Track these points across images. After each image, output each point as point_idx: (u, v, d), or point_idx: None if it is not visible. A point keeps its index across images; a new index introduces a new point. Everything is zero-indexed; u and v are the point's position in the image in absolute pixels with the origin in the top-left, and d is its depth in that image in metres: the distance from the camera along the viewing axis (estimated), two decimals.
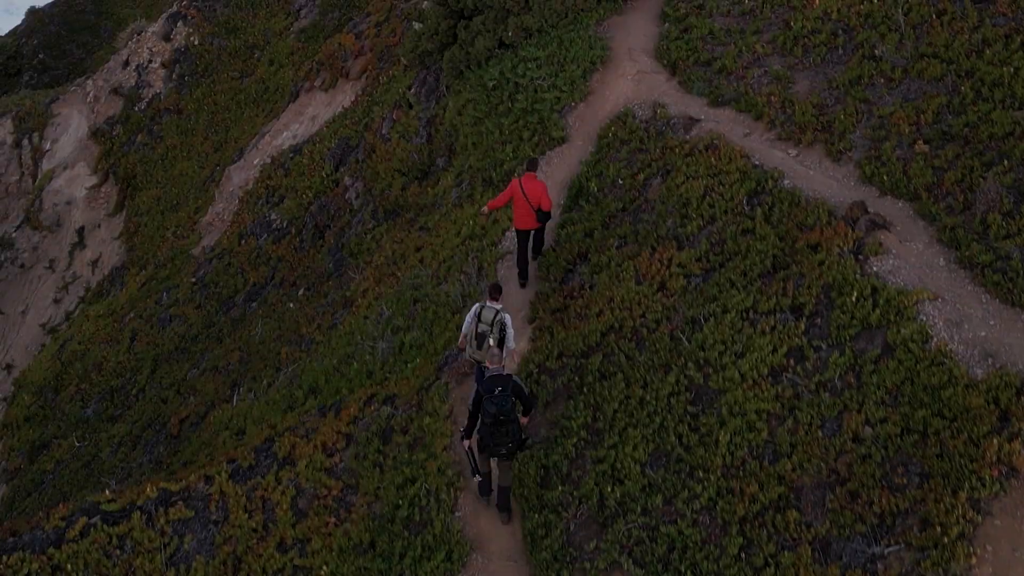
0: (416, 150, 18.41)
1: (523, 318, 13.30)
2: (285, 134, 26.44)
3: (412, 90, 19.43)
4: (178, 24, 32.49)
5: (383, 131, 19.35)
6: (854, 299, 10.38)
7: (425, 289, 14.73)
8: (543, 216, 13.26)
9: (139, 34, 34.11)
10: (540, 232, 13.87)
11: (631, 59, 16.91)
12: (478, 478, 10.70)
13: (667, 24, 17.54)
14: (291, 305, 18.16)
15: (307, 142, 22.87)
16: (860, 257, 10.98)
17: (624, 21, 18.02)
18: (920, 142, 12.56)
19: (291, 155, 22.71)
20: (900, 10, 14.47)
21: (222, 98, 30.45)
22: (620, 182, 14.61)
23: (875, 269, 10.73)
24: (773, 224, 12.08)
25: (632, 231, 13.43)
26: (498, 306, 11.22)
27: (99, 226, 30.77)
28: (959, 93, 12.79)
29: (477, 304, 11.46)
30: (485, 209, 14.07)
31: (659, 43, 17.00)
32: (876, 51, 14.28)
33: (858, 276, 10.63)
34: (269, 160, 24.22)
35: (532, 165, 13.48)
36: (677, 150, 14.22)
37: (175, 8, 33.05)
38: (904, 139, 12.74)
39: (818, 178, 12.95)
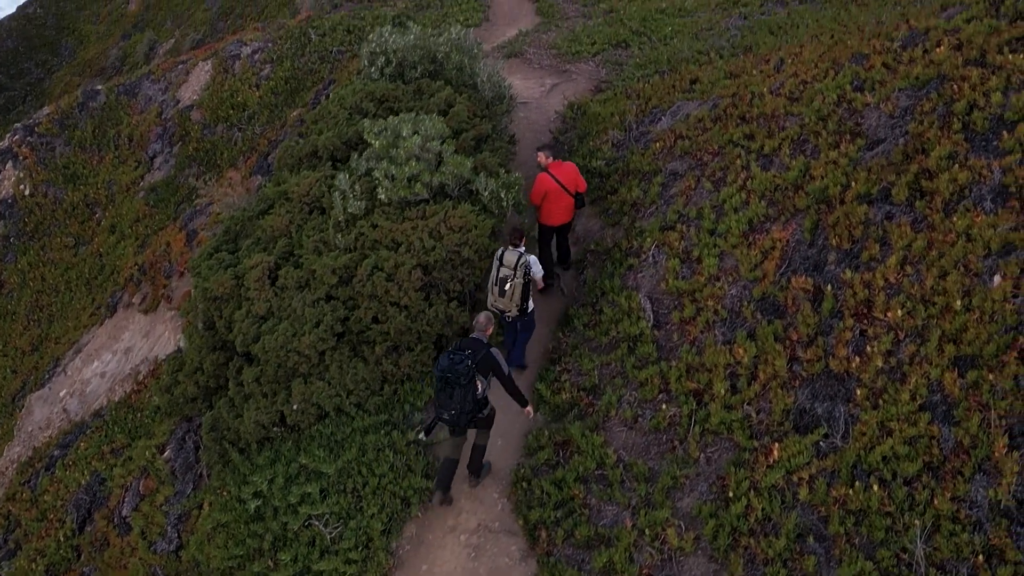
0: (160, 564, 11.76)
1: None
2: (95, 364, 19.88)
3: (166, 453, 12.72)
4: (7, 165, 25.42)
5: (123, 511, 12.67)
6: None
7: None
8: (581, 201, 12.06)
9: None
10: (565, 233, 12.34)
11: (472, 495, 10.15)
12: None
13: (540, 422, 10.72)
14: None
15: (80, 436, 16.13)
16: None
17: None
18: None
19: (52, 459, 15.97)
20: (918, 523, 7.57)
21: (51, 273, 23.70)
22: None
23: None
24: None
25: None
26: (521, 249, 10.47)
27: None
28: None
29: (499, 249, 10.58)
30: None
31: (519, 471, 10.18)
32: None
33: None
34: (31, 451, 17.58)
35: (549, 148, 12.09)
36: None
37: (6, 143, 25.89)
38: None
39: None
